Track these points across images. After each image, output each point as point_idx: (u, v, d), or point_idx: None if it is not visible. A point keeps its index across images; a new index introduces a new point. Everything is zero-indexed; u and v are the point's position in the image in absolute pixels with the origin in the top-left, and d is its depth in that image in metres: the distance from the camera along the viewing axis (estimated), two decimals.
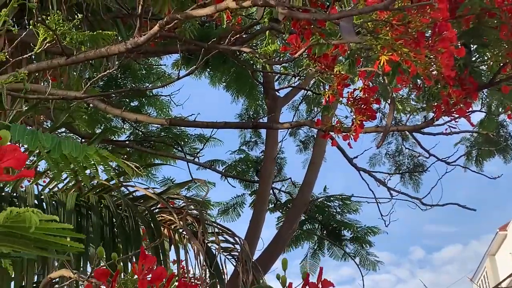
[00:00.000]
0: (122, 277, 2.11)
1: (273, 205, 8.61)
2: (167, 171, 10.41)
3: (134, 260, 4.26)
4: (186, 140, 9.15)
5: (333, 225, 8.18)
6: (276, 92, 7.49)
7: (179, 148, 8.88)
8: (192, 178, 8.78)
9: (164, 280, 1.89)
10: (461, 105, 4.01)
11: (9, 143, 1.12)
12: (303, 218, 8.42)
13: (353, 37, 2.96)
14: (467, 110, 4.04)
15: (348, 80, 3.89)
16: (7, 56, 4.21)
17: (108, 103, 5.40)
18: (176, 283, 2.10)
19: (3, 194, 4.33)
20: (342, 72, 3.50)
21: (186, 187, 9.44)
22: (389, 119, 3.75)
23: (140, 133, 9.05)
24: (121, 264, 1.90)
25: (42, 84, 5.87)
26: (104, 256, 4.46)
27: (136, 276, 1.88)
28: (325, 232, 8.23)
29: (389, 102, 3.83)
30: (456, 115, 4.07)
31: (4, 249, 1.11)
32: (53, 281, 3.37)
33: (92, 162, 2.02)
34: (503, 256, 33.32)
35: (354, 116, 3.92)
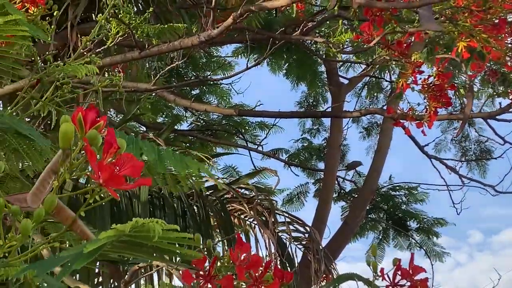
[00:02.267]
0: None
1: (337, 195, 8.53)
2: (229, 159, 10.46)
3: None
4: (247, 128, 9.15)
5: (398, 215, 8.05)
6: (341, 79, 7.42)
7: (241, 136, 8.91)
8: (254, 166, 8.82)
9: (260, 267, 1.90)
10: None
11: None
12: (368, 207, 8.33)
13: (433, 25, 2.89)
14: None
15: (421, 67, 3.82)
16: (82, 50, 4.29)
17: (174, 94, 5.46)
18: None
19: (78, 187, 4.43)
20: (419, 60, 3.43)
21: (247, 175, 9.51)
22: (468, 107, 3.66)
23: (202, 121, 9.10)
24: (217, 250, 1.92)
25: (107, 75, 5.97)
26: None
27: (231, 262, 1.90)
28: (390, 221, 8.12)
29: (466, 89, 3.73)
30: None
31: (127, 256, 1.13)
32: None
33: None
34: None
35: (428, 103, 3.85)
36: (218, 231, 4.73)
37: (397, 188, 8.22)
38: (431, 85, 3.82)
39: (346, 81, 7.51)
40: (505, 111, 4.25)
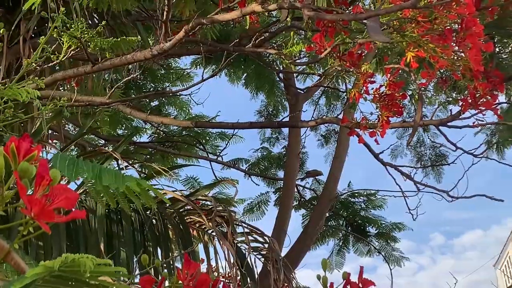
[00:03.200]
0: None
1: (297, 203, 8.60)
2: (190, 170, 10.44)
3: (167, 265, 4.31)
4: (207, 138, 9.17)
5: (358, 221, 8.16)
6: (298, 89, 7.48)
7: (202, 147, 8.92)
8: (215, 176, 8.83)
9: (209, 286, 1.91)
10: (488, 98, 3.99)
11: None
12: (328, 214, 8.41)
13: (380, 36, 2.95)
14: (494, 102, 4.02)
15: (373, 77, 3.89)
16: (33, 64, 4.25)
17: (131, 106, 5.44)
18: None
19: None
20: (369, 70, 3.49)
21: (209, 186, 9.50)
22: (418, 115, 3.74)
23: (162, 133, 9.09)
24: (165, 270, 1.92)
25: (65, 89, 5.94)
26: (135, 261, 4.50)
27: (180, 282, 1.91)
28: (350, 228, 8.21)
29: (416, 98, 3.81)
30: (483, 108, 4.04)
31: None
32: None
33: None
34: None
35: (380, 113, 3.92)
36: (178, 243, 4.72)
37: (356, 195, 8.32)
38: (382, 94, 3.89)
39: (303, 91, 7.59)
40: (455, 118, 4.35)
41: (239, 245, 4.78)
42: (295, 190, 8.54)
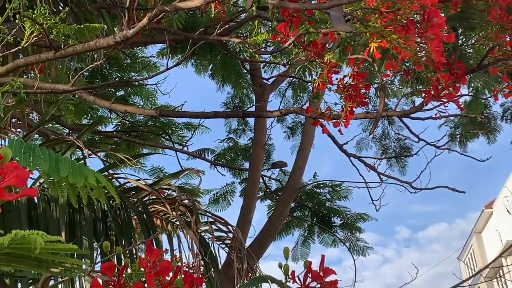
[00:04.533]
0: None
1: (263, 193, 8.63)
2: (156, 160, 10.41)
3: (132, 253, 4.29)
4: (173, 128, 9.12)
5: (323, 212, 8.21)
6: (264, 80, 7.48)
7: (167, 137, 8.88)
8: (181, 167, 8.80)
9: (171, 273, 1.90)
10: (450, 90, 4.04)
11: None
12: (293, 205, 8.45)
13: (343, 26, 2.97)
14: (456, 94, 4.07)
15: (337, 67, 3.91)
16: None
17: (96, 95, 5.38)
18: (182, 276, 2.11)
19: None
20: (332, 60, 3.50)
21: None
22: (380, 106, 3.77)
23: (128, 123, 9.01)
24: (128, 258, 1.91)
25: (27, 76, 5.84)
26: (98, 250, 4.46)
27: (142, 269, 1.90)
28: (315, 219, 8.27)
29: (379, 89, 3.84)
30: (445, 100, 4.09)
31: (9, 269, 1.11)
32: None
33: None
34: (489, 233, 33.71)
35: (344, 103, 3.94)
36: (140, 232, 4.70)
37: (322, 185, 8.38)
38: (346, 85, 3.91)
39: (269, 82, 7.61)
40: (418, 109, 4.40)
41: (202, 234, 4.78)
42: (261, 181, 8.57)
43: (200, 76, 8.92)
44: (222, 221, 4.86)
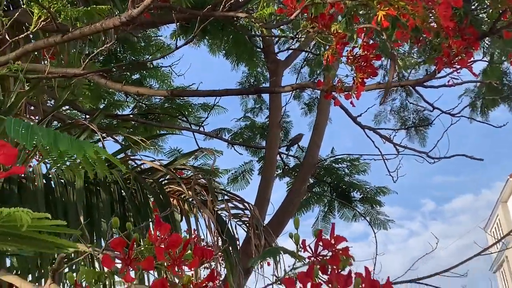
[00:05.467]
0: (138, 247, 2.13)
1: (281, 171, 8.62)
2: (174, 142, 10.45)
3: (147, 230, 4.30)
4: (190, 110, 9.13)
5: (342, 187, 8.18)
6: (277, 56, 7.43)
7: (184, 119, 8.89)
8: (198, 147, 8.82)
9: (180, 246, 1.90)
10: (463, 56, 3.97)
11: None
12: (312, 181, 8.42)
13: None
14: (469, 60, 4.00)
15: (347, 38, 3.86)
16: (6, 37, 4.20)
17: (108, 78, 5.38)
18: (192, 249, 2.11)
19: (11, 176, 4.34)
20: (339, 31, 3.46)
21: (193, 157, 9.51)
22: (390, 75, 3.72)
23: (144, 105, 9.04)
24: (137, 233, 1.92)
25: (42, 63, 5.86)
26: (118, 227, 4.50)
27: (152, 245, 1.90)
28: (334, 194, 8.24)
29: (390, 58, 3.79)
30: (458, 66, 4.03)
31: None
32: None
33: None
34: None
35: (355, 75, 3.90)
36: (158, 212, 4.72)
37: (340, 160, 8.34)
38: (356, 56, 3.86)
39: (283, 58, 7.55)
40: (431, 77, 4.34)
41: (219, 212, 4.79)
42: (279, 158, 8.56)
43: (215, 57, 8.92)
44: (239, 199, 4.86)
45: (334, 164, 8.35)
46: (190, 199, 4.85)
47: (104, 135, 4.90)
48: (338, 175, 8.20)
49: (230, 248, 4.54)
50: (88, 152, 1.68)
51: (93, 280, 2.38)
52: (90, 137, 5.08)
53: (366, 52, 3.85)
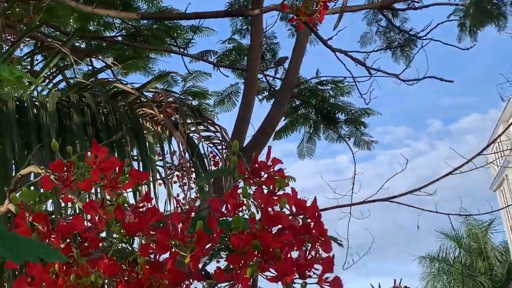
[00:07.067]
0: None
1: (268, 93, 8.68)
2: (164, 65, 10.43)
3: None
4: (179, 31, 9.10)
5: (327, 108, 8.23)
6: None
7: (173, 40, 8.89)
8: (188, 70, 8.86)
9: (116, 169, 2.00)
10: None
11: None
12: (298, 102, 8.49)
13: None
14: None
15: None
16: None
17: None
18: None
19: None
20: None
21: (182, 79, 9.55)
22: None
23: (132, 27, 9.00)
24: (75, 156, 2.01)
25: None
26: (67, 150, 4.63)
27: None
28: (319, 116, 8.31)
29: None
30: None
31: None
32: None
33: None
34: None
35: None
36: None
37: (325, 82, 8.36)
38: None
39: None
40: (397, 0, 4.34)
41: (191, 135, 4.89)
42: (265, 80, 8.60)
43: None
44: (210, 122, 4.96)
45: (319, 86, 8.38)
46: (163, 122, 4.95)
47: (75, 59, 4.97)
48: (323, 97, 8.25)
49: (200, 170, 4.68)
50: (2, 74, 1.77)
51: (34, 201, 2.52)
52: (63, 59, 5.14)
53: None
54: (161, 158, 5.17)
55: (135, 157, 4.72)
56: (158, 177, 4.93)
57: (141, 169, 4.49)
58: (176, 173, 5.28)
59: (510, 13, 8.84)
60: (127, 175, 2.30)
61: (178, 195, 5.28)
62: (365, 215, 6.71)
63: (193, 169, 4.80)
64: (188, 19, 4.95)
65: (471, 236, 33.52)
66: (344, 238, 6.28)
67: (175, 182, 5.17)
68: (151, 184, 4.54)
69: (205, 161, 4.80)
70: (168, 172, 4.81)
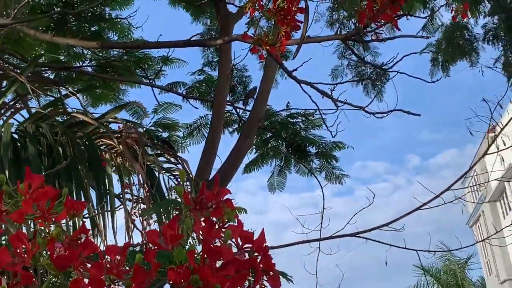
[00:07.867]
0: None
1: (238, 125, 8.59)
2: (134, 96, 10.34)
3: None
4: (150, 63, 9.03)
5: (298, 141, 8.16)
6: (229, 9, 7.30)
7: (143, 72, 8.81)
8: (158, 102, 8.75)
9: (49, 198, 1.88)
10: (387, 10, 3.92)
11: None
12: (268, 135, 8.42)
13: None
14: (394, 15, 3.95)
15: None
16: None
17: (68, 30, 5.27)
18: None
19: None
20: None
21: (152, 111, 9.44)
22: (304, 29, 3.67)
23: (102, 58, 8.91)
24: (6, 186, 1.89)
25: None
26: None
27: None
28: (290, 149, 8.23)
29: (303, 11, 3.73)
30: (383, 21, 3.98)
31: None
32: None
33: None
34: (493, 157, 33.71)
35: (278, 28, 3.84)
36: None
37: (295, 115, 8.30)
38: (278, 9, 3.80)
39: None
40: (359, 32, 4.29)
41: (152, 166, 4.77)
42: (235, 112, 8.53)
43: (176, 9, 8.82)
44: (171, 152, 4.84)
45: (289, 119, 8.32)
46: (123, 153, 4.82)
47: (33, 88, 4.83)
48: (293, 130, 8.18)
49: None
50: None
51: None
52: (21, 88, 5.01)
53: (288, 5, 3.79)
54: (127, 190, 5.04)
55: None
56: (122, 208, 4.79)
57: (97, 200, 4.36)
58: (141, 205, 5.15)
59: (482, 48, 8.91)
60: (61, 206, 2.16)
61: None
62: (336, 250, 6.59)
63: (152, 201, 4.65)
64: (149, 48, 4.87)
65: (448, 272, 33.49)
66: (314, 274, 6.14)
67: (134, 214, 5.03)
68: (109, 215, 4.40)
69: (166, 193, 4.67)
70: (132, 203, 4.67)
